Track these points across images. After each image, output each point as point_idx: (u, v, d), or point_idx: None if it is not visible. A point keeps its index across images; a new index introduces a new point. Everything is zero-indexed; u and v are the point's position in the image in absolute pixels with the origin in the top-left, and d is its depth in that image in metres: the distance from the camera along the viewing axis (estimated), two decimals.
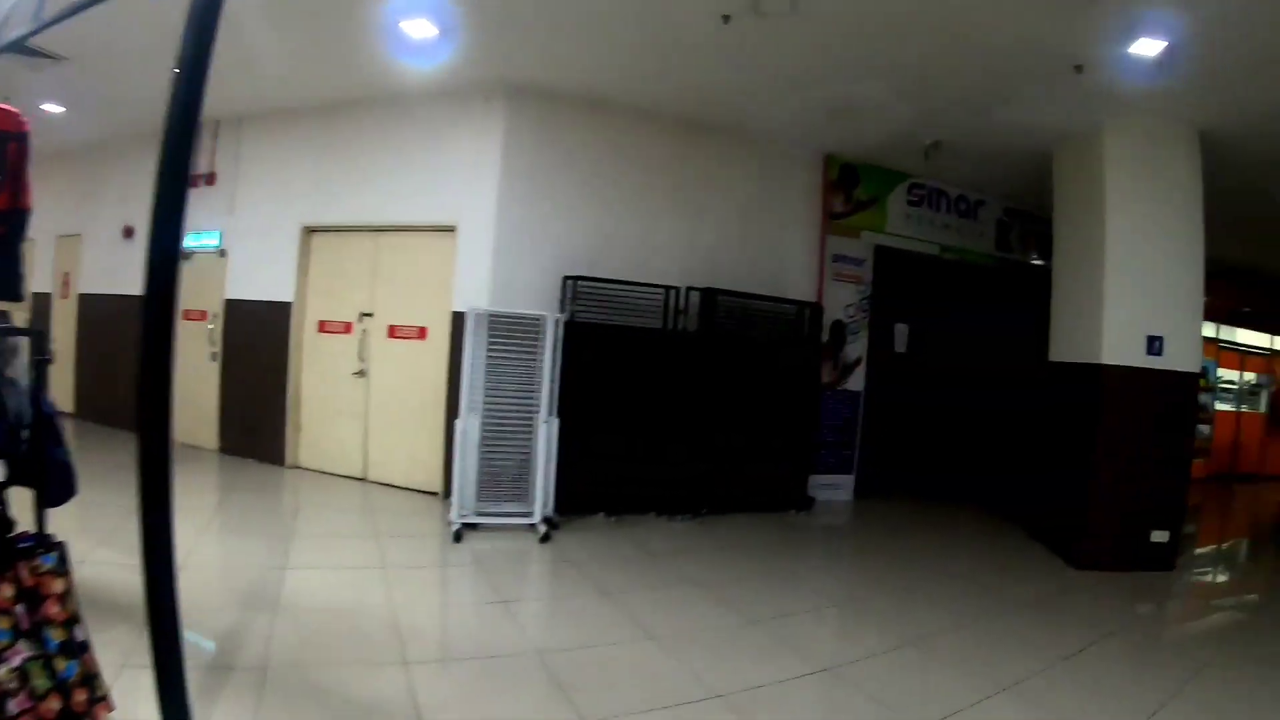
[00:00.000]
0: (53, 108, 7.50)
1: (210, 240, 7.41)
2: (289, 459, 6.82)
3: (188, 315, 7.62)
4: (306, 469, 6.81)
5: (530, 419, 5.40)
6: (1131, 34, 4.44)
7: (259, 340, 6.94)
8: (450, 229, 6.09)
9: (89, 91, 7.12)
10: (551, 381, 5.38)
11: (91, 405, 8.88)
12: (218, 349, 7.25)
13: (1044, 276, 6.83)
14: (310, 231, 6.81)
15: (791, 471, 6.87)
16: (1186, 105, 5.41)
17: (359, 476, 6.57)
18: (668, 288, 6.11)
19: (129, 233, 8.33)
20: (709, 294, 6.28)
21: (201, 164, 7.58)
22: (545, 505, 5.41)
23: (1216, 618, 5.13)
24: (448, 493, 5.63)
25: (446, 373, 5.96)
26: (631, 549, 5.22)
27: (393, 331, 6.41)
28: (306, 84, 6.35)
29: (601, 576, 4.55)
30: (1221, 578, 6.34)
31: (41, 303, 9.75)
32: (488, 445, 5.35)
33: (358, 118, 6.60)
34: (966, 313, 8.94)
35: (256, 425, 6.98)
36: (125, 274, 8.34)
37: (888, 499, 7.77)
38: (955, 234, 8.33)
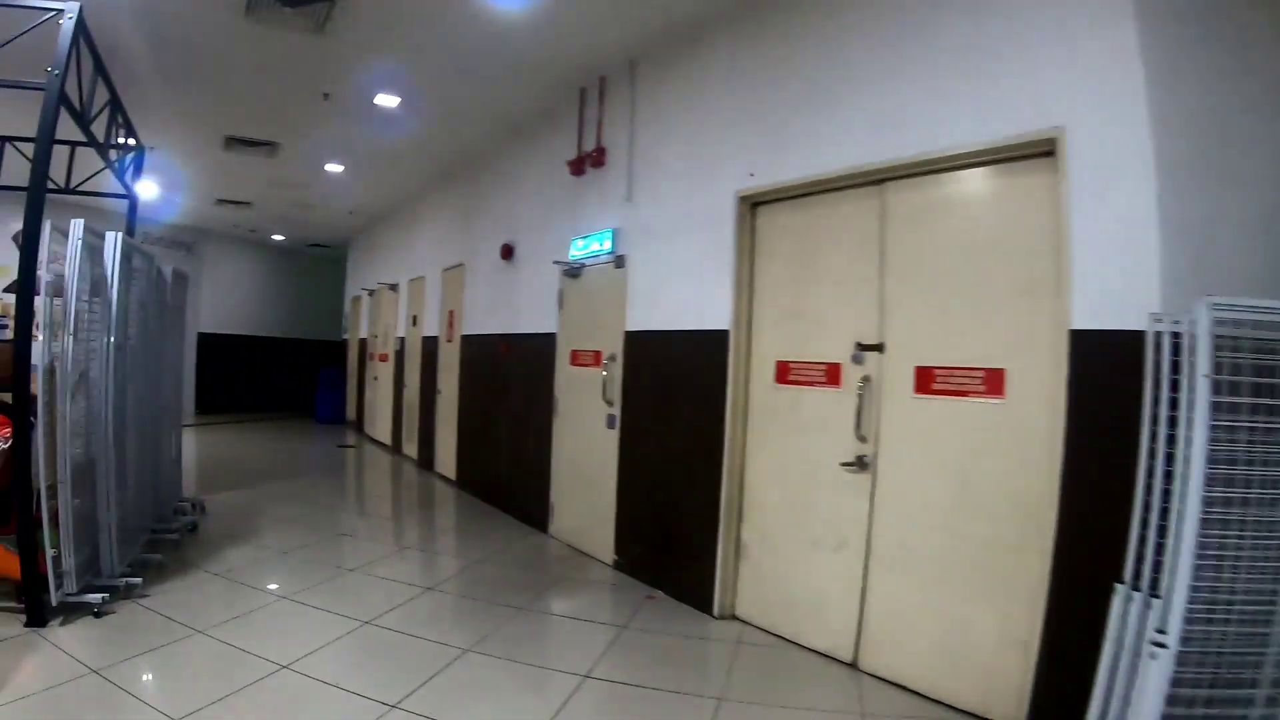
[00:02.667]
0: (386, 99, 6.17)
1: (601, 244, 5.23)
2: (721, 602, 4.16)
3: (576, 359, 5.52)
4: (748, 625, 4.09)
5: None
6: None
7: (677, 396, 4.47)
8: (1043, 147, 2.89)
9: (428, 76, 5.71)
10: None
11: (472, 475, 7.40)
12: (616, 409, 4.96)
13: None
14: (753, 206, 4.16)
15: None
16: None
17: (844, 659, 3.63)
18: None
19: (508, 252, 6.66)
20: None
21: (585, 139, 5.54)
22: None
23: None
24: None
25: (1060, 471, 2.75)
26: None
27: (927, 381, 3.36)
28: None
29: None
30: None
31: (430, 346, 8.77)
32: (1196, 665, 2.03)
33: None
34: None
35: (671, 538, 4.50)
36: (505, 306, 6.71)
37: None
38: None
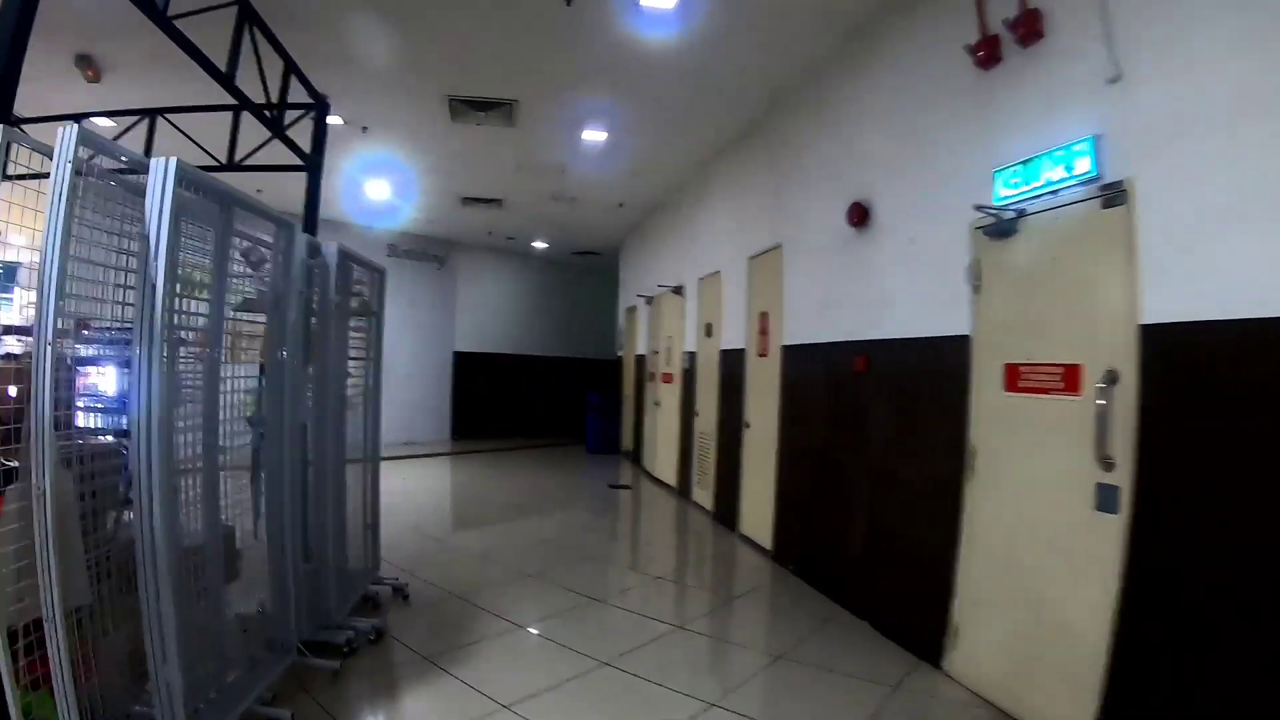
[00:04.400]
0: None
1: (1064, 167, 3.25)
2: None
3: (1017, 378, 3.55)
4: None
5: None
6: None
7: (1247, 450, 2.39)
8: None
9: None
10: None
11: (800, 548, 5.69)
12: (1122, 476, 2.94)
13: None
14: None
15: None
16: None
17: None
18: None
19: (860, 215, 4.88)
20: None
21: (993, 6, 3.72)
22: None
23: None
24: None
25: None
26: None
27: None
28: None
29: None
30: None
31: (732, 362, 7.21)
32: None
33: None
34: None
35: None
36: (857, 297, 4.97)
37: None
38: None
